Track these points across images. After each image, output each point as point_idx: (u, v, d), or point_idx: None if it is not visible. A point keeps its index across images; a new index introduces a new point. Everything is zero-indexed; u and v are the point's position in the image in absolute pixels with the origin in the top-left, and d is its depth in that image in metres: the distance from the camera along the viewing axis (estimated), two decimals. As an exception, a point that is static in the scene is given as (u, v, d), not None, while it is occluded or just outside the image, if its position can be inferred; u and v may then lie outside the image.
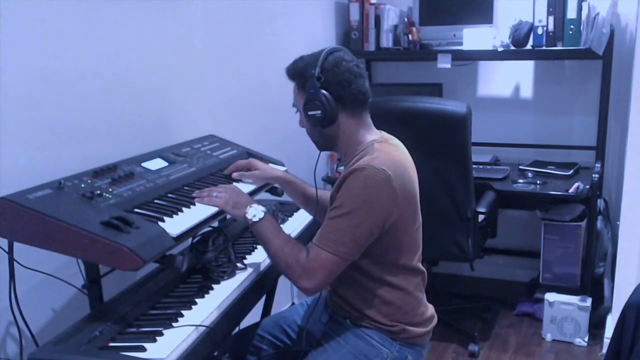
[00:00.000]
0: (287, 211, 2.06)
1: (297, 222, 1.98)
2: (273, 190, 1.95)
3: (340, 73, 1.51)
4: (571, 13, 2.87)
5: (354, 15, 3.33)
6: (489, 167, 3.14)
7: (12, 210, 1.27)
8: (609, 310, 2.84)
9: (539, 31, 2.94)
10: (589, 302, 2.81)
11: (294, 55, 1.61)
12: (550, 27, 2.92)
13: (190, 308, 1.40)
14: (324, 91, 1.50)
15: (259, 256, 1.74)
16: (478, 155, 3.14)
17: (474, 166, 2.61)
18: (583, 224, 2.97)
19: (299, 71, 1.56)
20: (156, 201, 1.51)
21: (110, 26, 1.78)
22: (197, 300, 1.44)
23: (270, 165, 1.93)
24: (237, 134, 2.26)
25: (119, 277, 1.56)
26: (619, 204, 2.74)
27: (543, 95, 3.34)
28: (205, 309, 1.40)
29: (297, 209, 2.09)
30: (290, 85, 1.62)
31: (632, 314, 1.74)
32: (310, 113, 1.52)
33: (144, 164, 1.67)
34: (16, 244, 1.39)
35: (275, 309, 2.14)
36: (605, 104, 3.04)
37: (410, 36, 3.25)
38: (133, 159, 1.69)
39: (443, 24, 3.28)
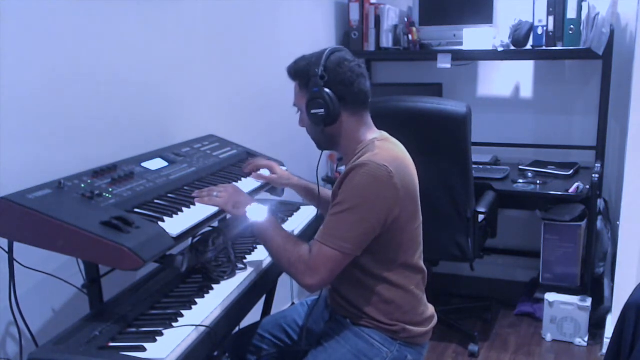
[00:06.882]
0: (287, 211, 2.06)
1: (298, 221, 1.98)
2: (273, 190, 1.95)
3: (342, 72, 1.52)
4: (571, 13, 2.87)
5: (354, 15, 3.33)
6: (489, 167, 3.14)
7: (12, 210, 1.27)
8: (609, 310, 2.84)
9: (539, 31, 2.94)
10: (589, 302, 2.81)
11: (294, 55, 1.61)
12: (550, 27, 2.92)
13: (190, 308, 1.40)
14: (327, 90, 1.51)
15: (259, 256, 1.74)
16: (478, 155, 3.14)
17: (474, 166, 2.61)
18: (583, 224, 2.97)
19: (301, 70, 1.56)
20: (156, 201, 1.50)
21: (110, 26, 1.78)
22: (197, 300, 1.43)
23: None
24: (237, 134, 2.26)
25: (119, 277, 1.56)
26: (619, 204, 2.74)
27: (543, 95, 3.34)
28: (205, 309, 1.40)
29: (298, 209, 2.09)
30: (290, 85, 1.62)
31: (632, 314, 1.74)
32: (313, 111, 1.53)
33: (144, 164, 1.67)
34: (16, 244, 1.39)
35: (275, 309, 2.14)
36: (605, 104, 3.04)
37: (410, 36, 3.25)
38: (133, 159, 1.69)
39: (443, 24, 3.28)
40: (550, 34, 2.93)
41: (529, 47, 3.00)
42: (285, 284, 2.90)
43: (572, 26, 2.88)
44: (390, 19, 3.33)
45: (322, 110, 1.52)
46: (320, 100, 1.51)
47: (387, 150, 1.53)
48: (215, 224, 1.72)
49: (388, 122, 1.72)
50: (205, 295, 1.47)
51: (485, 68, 3.44)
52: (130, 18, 1.86)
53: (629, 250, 2.58)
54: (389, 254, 1.55)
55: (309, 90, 1.53)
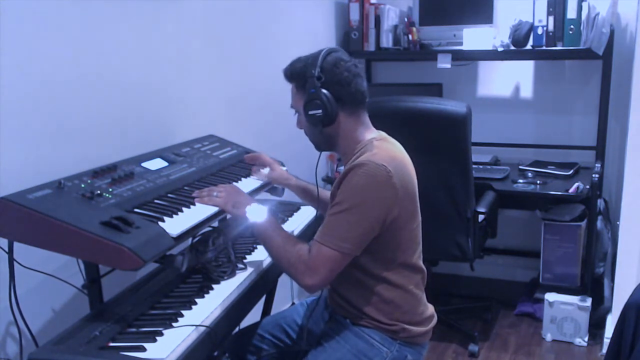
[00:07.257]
0: (287, 211, 2.06)
1: (298, 221, 1.98)
2: (273, 190, 1.96)
3: (339, 73, 1.52)
4: (571, 13, 2.87)
5: (354, 15, 3.33)
6: (489, 167, 3.14)
7: (12, 210, 1.27)
8: (609, 310, 2.84)
9: (539, 31, 2.94)
10: (589, 302, 2.81)
11: (294, 55, 1.61)
12: (550, 27, 2.92)
13: (190, 308, 1.40)
14: (324, 90, 1.51)
15: (259, 256, 1.74)
16: (478, 155, 3.14)
17: (474, 166, 2.61)
18: (583, 224, 2.97)
19: (297, 72, 1.57)
20: (156, 201, 1.50)
21: (110, 26, 1.78)
22: (197, 300, 1.44)
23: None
24: (237, 134, 2.26)
25: (119, 277, 1.56)
26: (619, 204, 2.74)
27: (543, 95, 3.34)
28: (205, 309, 1.40)
29: (298, 209, 2.09)
30: (290, 85, 1.62)
31: (632, 314, 1.74)
32: (311, 112, 1.53)
33: (144, 164, 1.67)
34: (16, 244, 1.39)
35: (275, 309, 2.14)
36: (605, 104, 3.04)
37: (410, 36, 3.25)
38: (133, 159, 1.69)
39: (443, 24, 3.28)
40: (550, 34, 2.93)
41: (529, 47, 3.00)
42: (285, 284, 2.90)
43: (572, 26, 2.88)
44: (390, 19, 3.33)
45: (320, 111, 1.52)
46: (318, 101, 1.51)
47: (385, 150, 1.53)
48: (215, 224, 1.72)
49: (388, 122, 1.73)
50: (205, 295, 1.47)
51: (485, 68, 3.44)
52: (130, 18, 1.86)
53: (629, 250, 2.58)
54: (388, 253, 1.55)
55: (306, 91, 1.53)
